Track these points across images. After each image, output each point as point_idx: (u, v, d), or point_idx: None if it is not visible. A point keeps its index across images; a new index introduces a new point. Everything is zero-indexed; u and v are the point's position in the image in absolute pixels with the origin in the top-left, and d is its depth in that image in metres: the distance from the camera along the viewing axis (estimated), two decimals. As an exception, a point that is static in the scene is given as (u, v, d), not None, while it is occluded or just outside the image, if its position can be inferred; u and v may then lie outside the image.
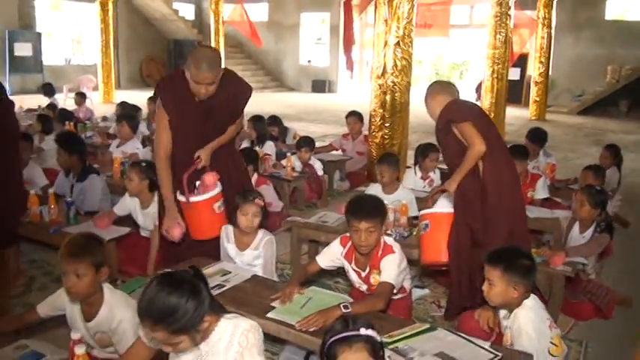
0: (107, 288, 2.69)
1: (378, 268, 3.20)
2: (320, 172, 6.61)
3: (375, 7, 7.13)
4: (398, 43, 6.87)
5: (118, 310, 2.63)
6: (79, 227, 4.22)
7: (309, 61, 24.68)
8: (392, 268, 3.13)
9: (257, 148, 6.53)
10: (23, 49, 19.80)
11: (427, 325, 2.80)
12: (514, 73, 17.18)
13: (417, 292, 4.22)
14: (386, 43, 6.92)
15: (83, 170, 5.24)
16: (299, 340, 2.80)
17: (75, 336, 2.27)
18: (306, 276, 3.36)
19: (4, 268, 4.16)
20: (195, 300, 1.98)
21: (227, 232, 3.73)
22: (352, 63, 8.82)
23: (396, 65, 6.92)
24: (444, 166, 4.22)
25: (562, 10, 17.45)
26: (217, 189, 3.75)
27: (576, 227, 4.23)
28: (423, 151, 5.73)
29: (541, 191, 5.42)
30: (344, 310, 2.74)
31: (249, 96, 4.01)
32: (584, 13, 18.82)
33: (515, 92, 17.45)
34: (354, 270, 3.33)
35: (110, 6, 17.01)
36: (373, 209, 3.20)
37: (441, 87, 3.92)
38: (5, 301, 3.82)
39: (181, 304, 1.94)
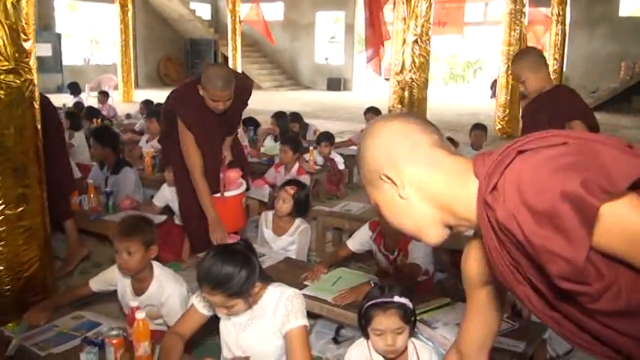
0: (156, 265, 2.92)
1: (405, 250, 3.41)
2: (341, 166, 6.83)
3: (394, 6, 7.35)
4: (416, 41, 7.09)
5: (167, 285, 2.86)
6: (118, 215, 4.49)
7: (326, 59, 24.89)
8: (419, 251, 3.35)
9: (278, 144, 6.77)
10: (43, 50, 20.15)
11: (448, 300, 3.03)
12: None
13: (438, 276, 4.43)
14: (404, 41, 7.13)
15: (117, 163, 5.49)
16: (332, 315, 3.04)
17: (134, 304, 2.51)
18: (336, 259, 3.59)
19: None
20: (248, 268, 2.22)
21: (267, 217, 4.01)
22: (380, 63, 8.97)
23: (414, 62, 7.14)
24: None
25: (576, 7, 17.56)
26: (244, 186, 4.01)
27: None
28: None
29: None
30: (373, 286, 2.97)
31: (252, 89, 4.25)
32: (598, 10, 18.89)
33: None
34: (382, 253, 3.55)
35: (129, 6, 17.28)
36: None
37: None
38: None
39: (236, 271, 2.18)
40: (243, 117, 7.71)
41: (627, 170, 1.05)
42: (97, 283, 3.01)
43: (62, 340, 2.61)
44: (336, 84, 23.63)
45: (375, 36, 9.10)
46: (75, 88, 12.35)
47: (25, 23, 3.02)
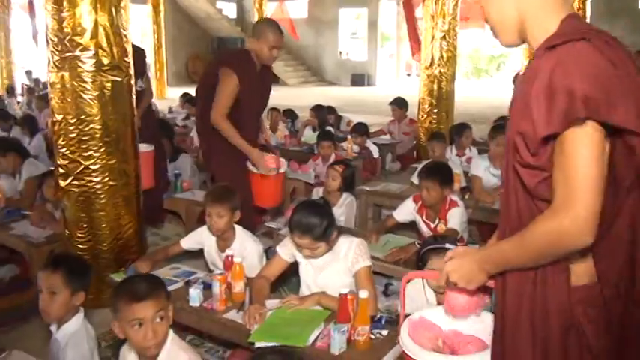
0: (237, 227, 3.50)
1: (445, 219, 3.95)
2: (375, 155, 7.37)
3: (423, 4, 7.89)
4: (444, 37, 7.62)
5: (247, 243, 3.44)
6: (183, 195, 5.14)
7: (347, 54, 25.48)
8: (456, 218, 3.89)
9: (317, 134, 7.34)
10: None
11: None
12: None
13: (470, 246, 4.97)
14: (433, 37, 7.67)
15: (174, 151, 6.11)
16: (383, 270, 3.60)
17: (230, 251, 3.10)
18: (384, 229, 4.15)
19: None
20: (328, 219, 2.80)
21: (317, 193, 4.64)
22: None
23: (442, 57, 7.68)
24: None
25: (596, 0, 17.90)
26: (284, 168, 4.46)
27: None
28: (458, 130, 6.36)
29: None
30: (418, 246, 3.52)
31: None
32: (618, 3, 19.22)
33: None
34: (424, 222, 4.09)
35: (162, 7, 17.92)
36: (437, 172, 3.97)
37: None
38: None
39: (320, 220, 2.76)
40: (281, 109, 8.34)
41: (628, 109, 1.33)
42: (187, 242, 3.60)
43: (167, 283, 3.20)
44: (360, 79, 24.12)
45: (415, 31, 9.57)
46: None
47: (124, 27, 3.59)
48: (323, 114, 8.03)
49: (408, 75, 25.53)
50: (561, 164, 1.40)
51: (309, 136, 7.71)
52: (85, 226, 3.64)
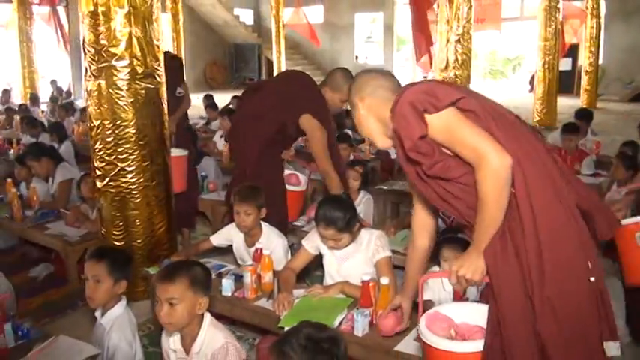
0: (264, 224, 3.72)
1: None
2: (393, 156, 7.55)
3: (437, 8, 8.09)
4: (458, 40, 7.85)
5: (273, 238, 3.65)
6: (209, 195, 5.38)
7: (366, 58, 25.66)
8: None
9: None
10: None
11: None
12: (566, 64, 17.75)
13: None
14: (448, 41, 7.89)
15: (197, 155, 6.35)
16: (402, 262, 3.75)
17: (258, 245, 3.32)
18: (403, 225, 4.34)
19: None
20: (351, 212, 3.01)
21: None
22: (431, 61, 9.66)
23: (457, 60, 7.90)
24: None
25: (611, 0, 18.00)
26: (303, 185, 4.75)
27: (614, 187, 5.06)
28: None
29: (586, 169, 6.03)
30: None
31: None
32: (633, 1, 19.24)
33: (567, 82, 18.00)
34: (441, 217, 4.26)
35: (180, 15, 18.23)
36: None
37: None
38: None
39: (343, 214, 2.98)
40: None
41: (450, 94, 1.94)
42: (217, 239, 3.82)
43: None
44: (376, 83, 24.30)
45: (424, 37, 9.75)
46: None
47: (157, 37, 3.82)
48: (342, 117, 8.23)
49: (425, 77, 25.69)
50: (450, 142, 1.97)
51: (327, 138, 7.92)
52: (120, 224, 3.87)
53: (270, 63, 21.95)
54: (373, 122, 2.24)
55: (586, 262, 1.93)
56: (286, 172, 4.66)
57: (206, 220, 5.57)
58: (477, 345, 2.02)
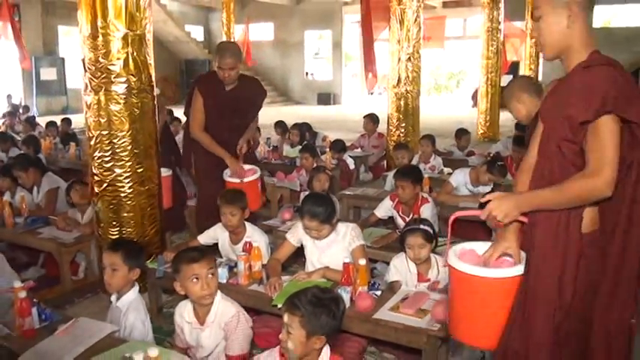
0: (247, 223, 4.18)
1: (418, 213, 4.68)
2: (352, 167, 8.11)
3: (389, 29, 8.71)
4: (409, 59, 8.48)
5: (256, 235, 4.10)
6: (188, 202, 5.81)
7: (312, 74, 26.36)
8: (428, 212, 4.63)
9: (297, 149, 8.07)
10: (49, 74, 21.29)
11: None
12: (507, 80, 18.65)
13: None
14: (399, 59, 8.51)
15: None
16: (370, 254, 4.28)
17: (247, 239, 3.80)
18: (367, 224, 4.87)
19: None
20: (331, 207, 3.52)
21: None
22: (374, 82, 10.29)
23: (408, 77, 8.53)
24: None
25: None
26: (258, 173, 5.03)
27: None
28: (420, 140, 7.36)
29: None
30: (397, 234, 4.26)
31: (265, 97, 5.31)
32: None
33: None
34: (400, 216, 4.82)
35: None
36: (410, 173, 4.72)
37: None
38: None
39: (325, 208, 3.48)
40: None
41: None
42: (203, 238, 4.26)
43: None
44: (326, 98, 24.96)
45: (369, 57, 10.29)
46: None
47: (149, 57, 4.26)
48: (303, 130, 8.78)
49: (371, 94, 26.45)
50: (594, 141, 2.06)
51: (289, 150, 8.43)
52: (115, 224, 4.28)
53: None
54: (564, 41, 2.22)
55: None
56: (245, 167, 5.00)
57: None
58: (519, 269, 2.20)
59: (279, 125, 10.02)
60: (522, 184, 2.36)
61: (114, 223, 4.27)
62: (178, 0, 24.18)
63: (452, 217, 2.33)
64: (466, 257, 2.33)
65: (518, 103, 3.70)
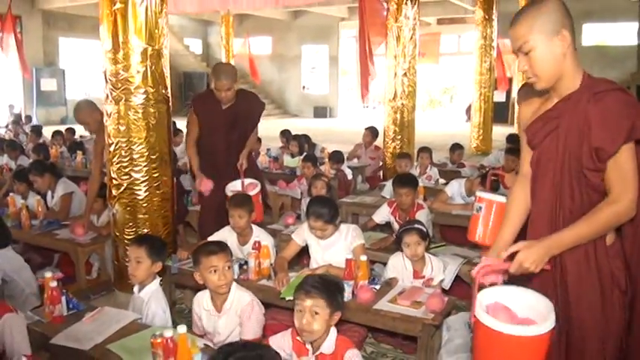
0: (254, 225, 4.49)
1: (414, 218, 5.00)
2: (350, 177, 8.43)
3: (386, 45, 9.08)
4: (405, 74, 8.85)
5: (262, 236, 4.40)
6: (194, 207, 6.11)
7: (307, 88, 26.81)
8: (423, 217, 4.93)
9: (297, 159, 8.40)
10: (49, 85, 21.63)
11: (443, 243, 4.65)
12: (500, 96, 19.10)
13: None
14: (396, 74, 8.88)
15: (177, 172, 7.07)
16: (369, 255, 4.57)
17: (255, 239, 4.11)
18: (366, 229, 5.18)
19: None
20: (334, 208, 3.86)
21: (306, 203, 5.57)
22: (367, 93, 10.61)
23: (404, 91, 8.90)
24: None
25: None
26: (258, 188, 5.21)
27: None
28: (418, 152, 7.73)
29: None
30: (394, 237, 4.57)
31: (263, 110, 5.54)
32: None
33: (502, 113, 19.37)
34: (397, 222, 5.14)
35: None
36: (410, 181, 5.05)
37: None
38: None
39: (328, 209, 3.81)
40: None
41: None
42: (213, 239, 4.56)
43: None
44: (322, 112, 25.36)
45: (365, 72, 10.61)
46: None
47: (166, 69, 4.58)
48: (302, 142, 9.14)
49: (366, 107, 26.84)
50: (617, 168, 2.10)
51: (289, 160, 8.76)
52: (131, 225, 4.57)
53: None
54: (556, 65, 2.19)
55: None
56: (247, 181, 5.23)
57: (192, 230, 6.29)
58: (548, 325, 1.97)
59: (284, 134, 10.56)
60: (517, 199, 2.45)
61: (130, 224, 4.56)
62: (177, 14, 24.56)
63: (476, 276, 2.19)
64: (496, 311, 2.12)
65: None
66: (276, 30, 26.00)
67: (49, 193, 5.99)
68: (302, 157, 7.85)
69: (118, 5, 4.31)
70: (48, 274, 3.45)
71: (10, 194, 5.97)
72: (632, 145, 2.10)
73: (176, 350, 2.61)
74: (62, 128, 12.95)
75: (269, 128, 17.76)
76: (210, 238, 4.56)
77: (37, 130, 11.55)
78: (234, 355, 1.90)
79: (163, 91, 4.54)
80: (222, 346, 2.12)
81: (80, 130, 12.51)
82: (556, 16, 2.13)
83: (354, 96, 26.54)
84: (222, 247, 3.27)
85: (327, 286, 2.71)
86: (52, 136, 10.84)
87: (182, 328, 2.63)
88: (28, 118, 15.69)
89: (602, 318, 2.20)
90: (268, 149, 9.91)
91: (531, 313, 2.09)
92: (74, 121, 5.58)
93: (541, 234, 2.22)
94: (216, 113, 5.14)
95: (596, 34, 21.18)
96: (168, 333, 2.65)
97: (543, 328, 1.96)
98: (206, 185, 5.05)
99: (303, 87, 26.95)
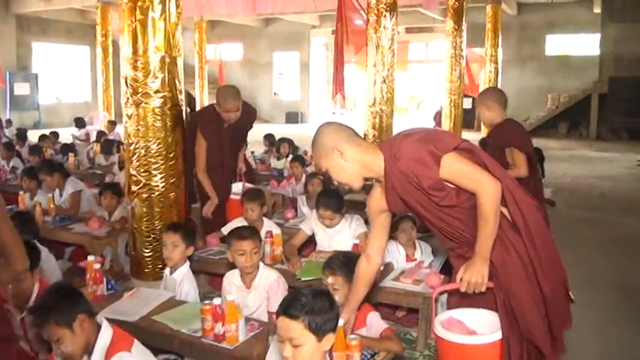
0: (264, 218, 4.93)
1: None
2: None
3: (366, 54, 9.62)
4: (384, 81, 9.39)
5: (272, 228, 4.84)
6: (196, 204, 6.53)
7: (275, 94, 27.26)
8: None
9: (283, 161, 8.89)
10: (22, 89, 21.66)
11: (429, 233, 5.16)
12: (467, 103, 19.77)
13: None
14: (375, 82, 9.42)
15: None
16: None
17: (269, 229, 4.57)
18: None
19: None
20: (342, 200, 4.39)
21: (302, 200, 6.06)
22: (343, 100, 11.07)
23: (383, 97, 9.44)
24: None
25: (508, 48, 20.50)
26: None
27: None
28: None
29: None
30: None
31: (255, 115, 6.02)
32: (527, 50, 21.94)
33: (469, 119, 20.05)
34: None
35: (110, 49, 18.98)
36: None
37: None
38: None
39: (336, 201, 4.35)
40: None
41: (452, 140, 2.47)
42: (227, 230, 4.99)
43: (221, 253, 4.63)
44: (294, 117, 25.78)
45: (339, 78, 11.01)
46: (80, 122, 14.35)
47: (181, 75, 5.02)
48: (287, 144, 9.67)
49: (334, 113, 27.25)
50: (456, 176, 2.45)
51: (276, 162, 9.25)
52: (148, 218, 4.98)
53: (192, 98, 22.98)
54: (353, 167, 2.55)
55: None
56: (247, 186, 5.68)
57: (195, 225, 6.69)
58: (496, 335, 2.36)
59: (267, 138, 11.24)
60: (360, 292, 2.95)
61: (147, 217, 4.97)
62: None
63: (435, 293, 2.65)
64: (452, 325, 2.48)
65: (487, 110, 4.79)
66: (247, 36, 26.40)
67: (57, 191, 6.35)
68: (289, 158, 8.32)
69: (139, 16, 4.74)
70: (91, 258, 3.87)
71: (20, 192, 6.33)
72: (448, 155, 2.42)
73: (224, 316, 3.06)
74: (35, 132, 13.20)
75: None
76: (225, 228, 5.00)
77: (21, 135, 11.80)
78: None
79: (178, 95, 4.96)
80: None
81: (63, 134, 12.84)
82: (328, 139, 2.60)
83: (324, 102, 27.03)
84: (251, 234, 3.72)
85: (346, 265, 3.18)
86: (40, 139, 11.12)
87: (230, 297, 3.09)
88: (9, 122, 15.84)
89: (528, 283, 2.48)
90: (252, 152, 10.37)
91: (480, 326, 2.46)
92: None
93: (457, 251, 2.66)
94: (222, 132, 5.58)
95: (560, 44, 22.11)
96: (217, 301, 3.10)
97: (491, 338, 2.35)
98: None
99: (275, 93, 27.40)
